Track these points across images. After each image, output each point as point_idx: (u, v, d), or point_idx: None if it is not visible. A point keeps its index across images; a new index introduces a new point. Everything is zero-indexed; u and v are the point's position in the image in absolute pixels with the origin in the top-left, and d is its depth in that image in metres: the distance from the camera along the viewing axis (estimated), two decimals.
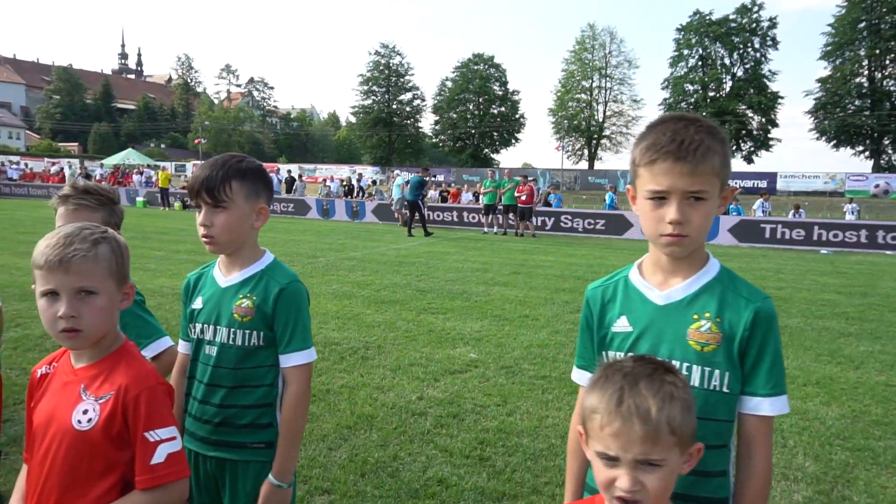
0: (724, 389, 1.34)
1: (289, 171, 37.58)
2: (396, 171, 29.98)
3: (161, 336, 2.01)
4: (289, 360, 1.79)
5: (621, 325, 1.44)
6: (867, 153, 51.30)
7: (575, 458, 1.53)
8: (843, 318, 8.00)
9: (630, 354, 1.38)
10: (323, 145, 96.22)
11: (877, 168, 48.68)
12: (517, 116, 69.01)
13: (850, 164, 63.32)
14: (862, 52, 49.36)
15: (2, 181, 34.26)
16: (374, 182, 37.00)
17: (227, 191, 1.75)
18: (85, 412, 1.36)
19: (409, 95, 72.06)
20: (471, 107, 68.25)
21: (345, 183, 31.30)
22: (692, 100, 56.86)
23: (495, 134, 68.18)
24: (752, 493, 1.33)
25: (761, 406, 1.33)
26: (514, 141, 69.85)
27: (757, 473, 1.33)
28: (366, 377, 5.12)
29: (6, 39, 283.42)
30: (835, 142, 51.43)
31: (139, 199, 28.31)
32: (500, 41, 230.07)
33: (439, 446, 3.86)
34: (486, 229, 19.84)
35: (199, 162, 54.44)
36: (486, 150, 69.06)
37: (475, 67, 67.28)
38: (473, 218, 21.68)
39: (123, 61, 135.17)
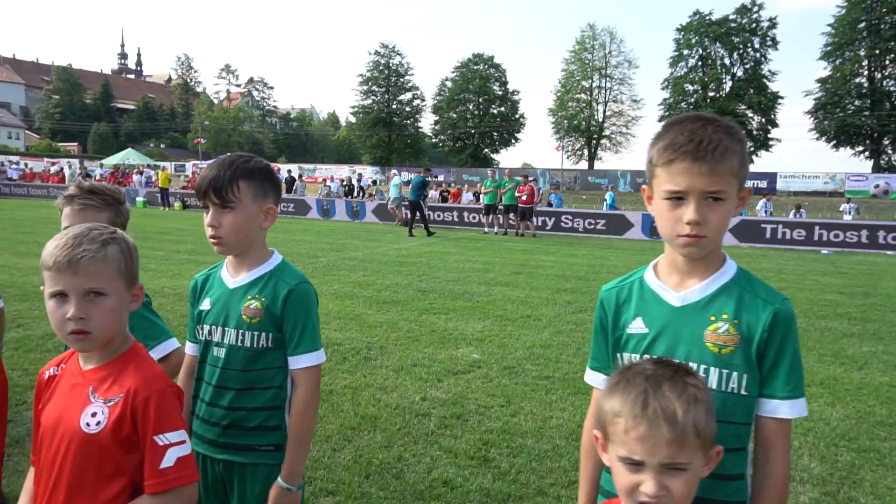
0: (742, 392, 1.32)
1: (289, 171, 37.54)
2: (394, 171, 29.98)
3: (168, 338, 1.99)
4: (298, 362, 1.78)
5: (637, 326, 1.42)
6: (867, 153, 51.32)
7: (588, 460, 1.51)
8: (846, 318, 7.99)
9: (647, 357, 1.36)
10: (322, 145, 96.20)
11: (877, 168, 48.69)
12: (517, 116, 68.99)
13: (850, 164, 63.35)
14: (862, 53, 49.37)
15: (1, 181, 34.25)
16: (374, 182, 36.99)
17: (234, 191, 1.73)
18: (93, 415, 1.34)
19: (408, 95, 72.06)
20: (471, 107, 68.23)
21: (345, 183, 31.29)
22: (692, 100, 56.85)
23: (495, 134, 68.17)
24: (771, 496, 1.32)
25: (780, 409, 1.31)
26: (513, 141, 69.85)
27: (775, 477, 1.31)
28: (369, 378, 5.10)
29: (6, 39, 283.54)
30: (835, 142, 51.44)
31: (139, 199, 28.28)
32: (500, 41, 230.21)
33: (444, 447, 3.85)
34: (486, 229, 19.83)
35: (198, 162, 54.54)
36: (486, 150, 69.04)
37: (475, 67, 67.26)
38: (474, 218, 21.67)
39: (123, 61, 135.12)
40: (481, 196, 21.73)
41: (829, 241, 17.75)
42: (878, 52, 48.83)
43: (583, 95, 64.43)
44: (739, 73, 56.27)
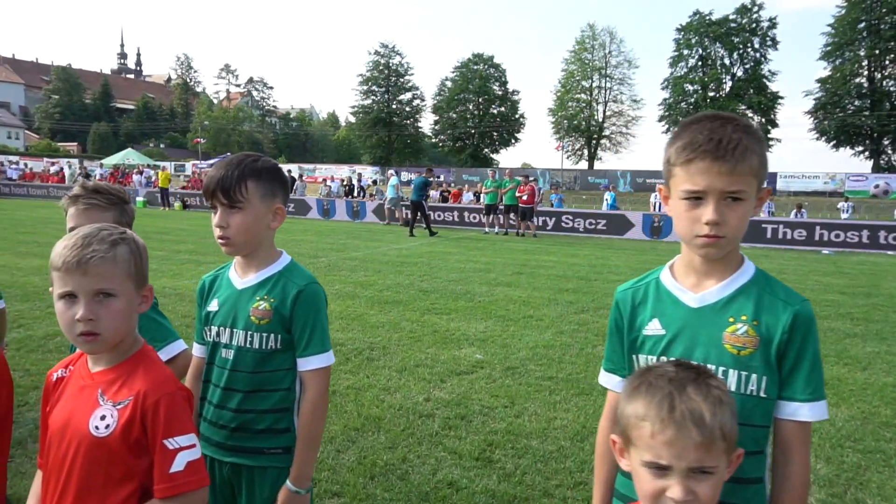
0: (762, 394, 1.30)
1: (289, 171, 37.52)
2: (391, 172, 29.98)
3: (175, 339, 1.97)
4: (307, 364, 1.76)
5: (653, 328, 1.40)
6: (867, 153, 51.36)
7: (603, 463, 1.49)
8: (849, 318, 7.98)
9: (664, 359, 1.34)
10: (322, 145, 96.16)
11: (877, 168, 48.72)
12: (517, 116, 69.04)
13: (850, 164, 63.39)
14: (862, 53, 49.40)
15: (1, 181, 34.22)
16: (374, 182, 36.98)
17: (242, 191, 1.71)
18: (102, 418, 1.32)
19: (408, 95, 72.11)
20: (470, 107, 68.26)
21: (345, 183, 31.28)
22: (692, 100, 56.90)
23: (495, 134, 68.20)
24: (791, 499, 1.30)
25: (800, 411, 1.29)
26: (513, 141, 69.92)
27: (795, 480, 1.29)
28: (372, 378, 5.08)
29: (5, 39, 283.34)
30: (835, 142, 51.48)
31: (139, 198, 28.24)
32: (500, 41, 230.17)
33: (448, 448, 3.83)
34: (487, 229, 19.81)
35: (198, 162, 54.50)
36: (486, 149, 69.09)
37: (475, 67, 67.29)
38: (474, 218, 21.65)
39: (122, 61, 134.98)
40: (482, 196, 21.71)
41: (830, 242, 17.74)
42: (878, 52, 48.86)
43: (583, 95, 64.45)
44: (739, 73, 56.32)
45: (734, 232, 1.29)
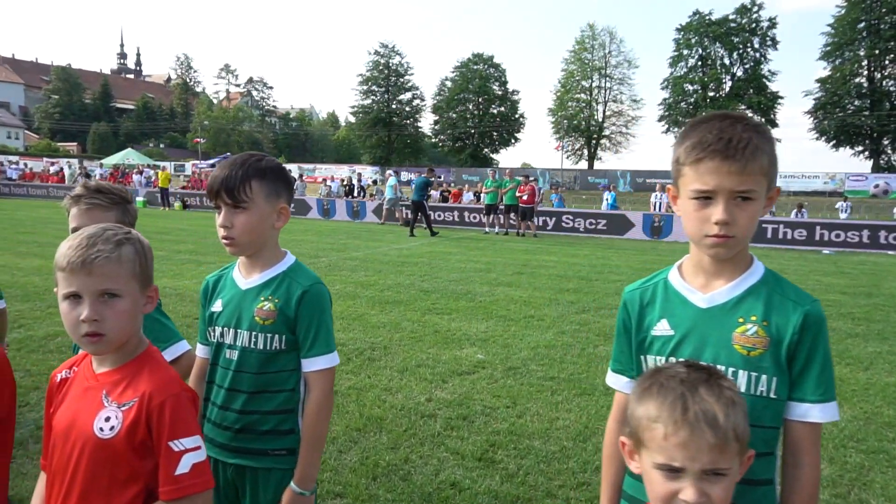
0: (772, 395, 1.29)
1: (289, 171, 37.46)
2: (389, 172, 29.99)
3: (178, 340, 1.95)
4: (312, 365, 1.74)
5: (662, 328, 1.39)
6: (867, 153, 51.37)
7: (610, 465, 1.48)
8: (850, 318, 7.97)
9: (673, 359, 1.33)
10: (322, 145, 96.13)
11: (876, 168, 48.72)
12: (517, 116, 69.03)
13: (850, 164, 63.41)
14: (861, 53, 49.40)
15: (1, 181, 34.20)
16: (374, 182, 36.96)
17: (246, 191, 1.70)
18: (107, 419, 1.31)
19: (408, 95, 72.11)
20: (470, 107, 68.25)
21: (345, 183, 31.28)
22: (692, 100, 56.92)
23: (495, 134, 68.19)
24: (802, 502, 1.29)
25: (810, 412, 1.29)
26: (513, 141, 69.91)
27: (806, 482, 1.28)
28: (373, 378, 5.07)
29: (5, 39, 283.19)
30: (834, 142, 51.48)
31: (139, 198, 28.20)
32: (500, 41, 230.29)
33: (450, 449, 3.82)
34: (487, 229, 19.81)
35: (198, 162, 54.46)
36: (486, 149, 69.08)
37: (475, 67, 67.28)
38: (475, 218, 21.64)
39: (122, 61, 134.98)
40: (482, 196, 21.70)
41: (831, 241, 17.74)
42: (877, 52, 48.85)
43: (582, 95, 64.45)
44: (739, 73, 56.32)
45: (744, 232, 1.28)
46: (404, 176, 38.92)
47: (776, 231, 18.30)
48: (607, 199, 23.99)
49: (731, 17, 55.06)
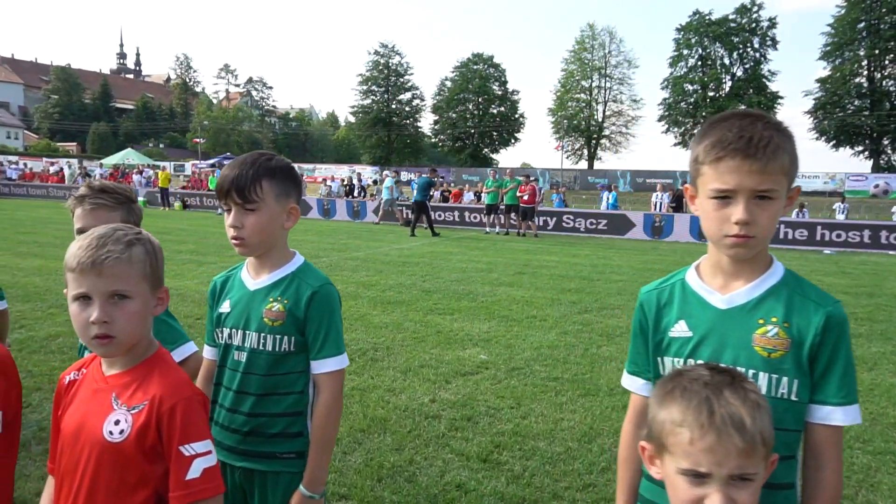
0: (793, 398, 1.27)
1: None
2: (386, 173, 29.98)
3: (185, 341, 1.93)
4: (321, 367, 1.72)
5: (680, 329, 1.37)
6: (867, 153, 51.34)
7: (626, 468, 1.46)
8: (853, 318, 7.95)
9: (691, 361, 1.31)
10: (322, 145, 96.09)
11: (876, 168, 48.71)
12: (517, 116, 69.00)
13: (850, 164, 63.40)
14: (861, 53, 49.38)
15: (1, 181, 34.16)
16: (374, 182, 36.94)
17: (257, 191, 1.68)
18: (116, 423, 1.29)
19: (408, 95, 72.07)
20: (470, 106, 68.21)
21: (346, 183, 31.27)
22: (692, 100, 56.90)
23: (495, 134, 68.15)
24: None
25: (833, 415, 1.27)
26: (513, 141, 69.87)
27: (828, 486, 1.26)
28: (376, 379, 5.05)
29: (4, 39, 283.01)
30: (834, 142, 51.46)
31: (139, 198, 28.10)
32: (500, 41, 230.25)
33: (455, 450, 3.80)
34: (487, 229, 19.79)
35: (198, 162, 54.39)
36: (486, 149, 69.05)
37: (475, 67, 67.24)
38: (475, 218, 21.62)
39: (122, 61, 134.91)
40: (483, 196, 21.68)
41: (832, 241, 17.73)
42: (877, 52, 48.84)
43: (582, 95, 64.42)
44: (739, 73, 56.30)
45: (764, 232, 1.26)
46: (404, 176, 38.88)
47: (777, 231, 18.25)
48: (607, 199, 23.97)
49: (730, 17, 55.05)
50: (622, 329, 6.95)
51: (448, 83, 68.43)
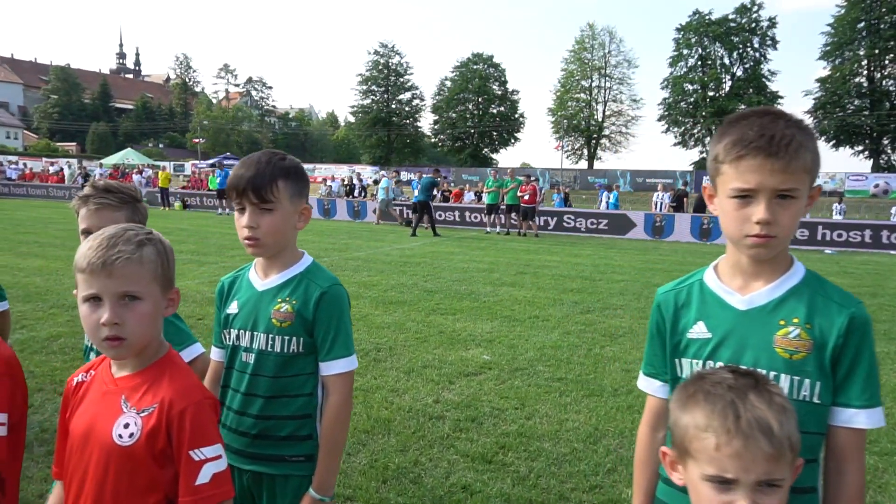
0: (815, 400, 1.25)
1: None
2: (383, 173, 29.96)
3: (192, 342, 1.90)
4: (330, 368, 1.70)
5: (698, 331, 1.35)
6: (867, 153, 51.35)
7: (643, 471, 1.44)
8: None
9: (710, 363, 1.29)
10: (321, 145, 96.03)
11: (876, 168, 48.71)
12: (516, 116, 68.98)
13: (850, 163, 63.45)
14: (861, 52, 49.38)
15: (0, 181, 34.12)
16: (375, 182, 36.92)
17: (274, 191, 1.65)
18: (126, 426, 1.27)
19: (408, 95, 72.04)
20: (470, 106, 68.20)
21: (346, 182, 31.24)
22: (692, 99, 56.90)
23: (494, 133, 68.14)
24: None
25: (856, 418, 1.24)
26: (513, 140, 69.87)
27: (851, 490, 1.24)
28: (379, 380, 5.03)
29: (4, 39, 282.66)
30: (834, 141, 51.45)
31: None
32: (500, 41, 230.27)
33: (460, 451, 3.78)
34: (488, 229, 19.77)
35: (197, 162, 54.36)
36: (486, 149, 69.04)
37: (474, 67, 67.22)
38: (476, 218, 21.60)
39: (121, 61, 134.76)
40: (483, 196, 21.66)
41: (833, 241, 17.71)
42: (877, 51, 48.83)
43: (582, 95, 64.42)
44: (739, 73, 56.31)
45: (786, 232, 1.24)
46: (404, 176, 38.86)
47: None
48: (608, 199, 23.95)
49: (730, 16, 55.06)
50: (625, 329, 6.93)
51: (448, 83, 68.41)
